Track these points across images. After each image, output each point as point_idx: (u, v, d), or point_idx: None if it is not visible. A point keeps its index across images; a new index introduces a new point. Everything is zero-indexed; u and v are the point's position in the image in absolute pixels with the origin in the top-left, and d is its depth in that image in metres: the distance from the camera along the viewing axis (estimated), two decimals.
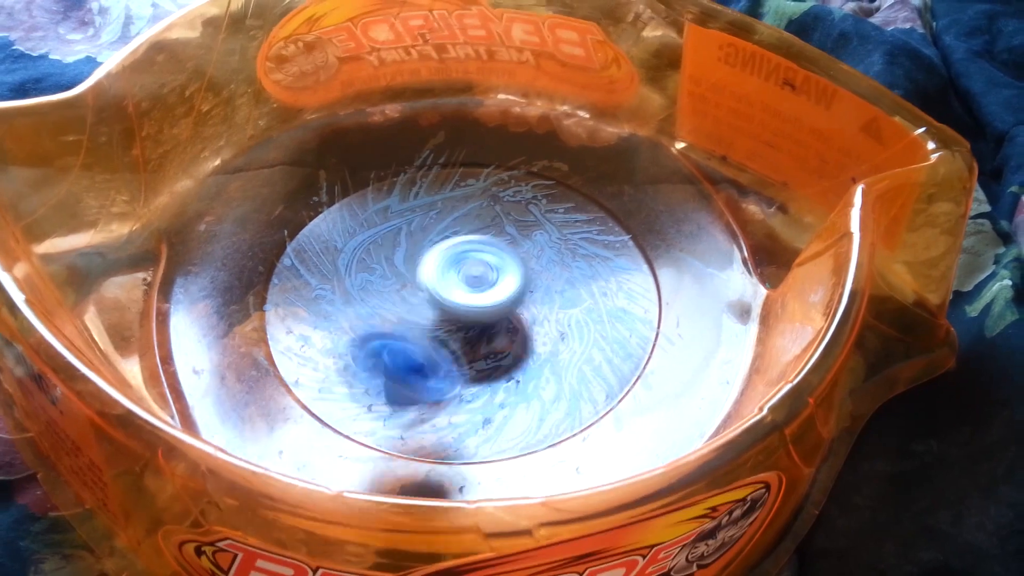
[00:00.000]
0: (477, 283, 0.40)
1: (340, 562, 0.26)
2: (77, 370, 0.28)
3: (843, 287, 0.31)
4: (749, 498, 0.30)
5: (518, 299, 0.40)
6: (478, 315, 0.39)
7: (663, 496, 0.26)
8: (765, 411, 0.28)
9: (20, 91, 0.50)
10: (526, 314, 0.41)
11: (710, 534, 0.29)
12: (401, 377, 0.37)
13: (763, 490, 0.30)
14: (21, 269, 0.32)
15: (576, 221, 0.45)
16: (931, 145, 0.36)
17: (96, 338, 0.37)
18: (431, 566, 0.26)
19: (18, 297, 0.30)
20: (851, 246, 0.32)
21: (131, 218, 0.40)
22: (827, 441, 0.35)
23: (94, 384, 0.28)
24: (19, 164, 0.37)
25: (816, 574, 0.35)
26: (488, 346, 0.40)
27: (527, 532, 0.25)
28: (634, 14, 0.47)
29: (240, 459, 0.26)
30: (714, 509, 0.28)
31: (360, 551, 0.26)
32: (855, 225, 0.33)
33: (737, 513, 0.30)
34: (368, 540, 0.25)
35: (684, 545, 0.29)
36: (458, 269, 0.40)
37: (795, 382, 0.29)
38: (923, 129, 0.37)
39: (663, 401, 0.38)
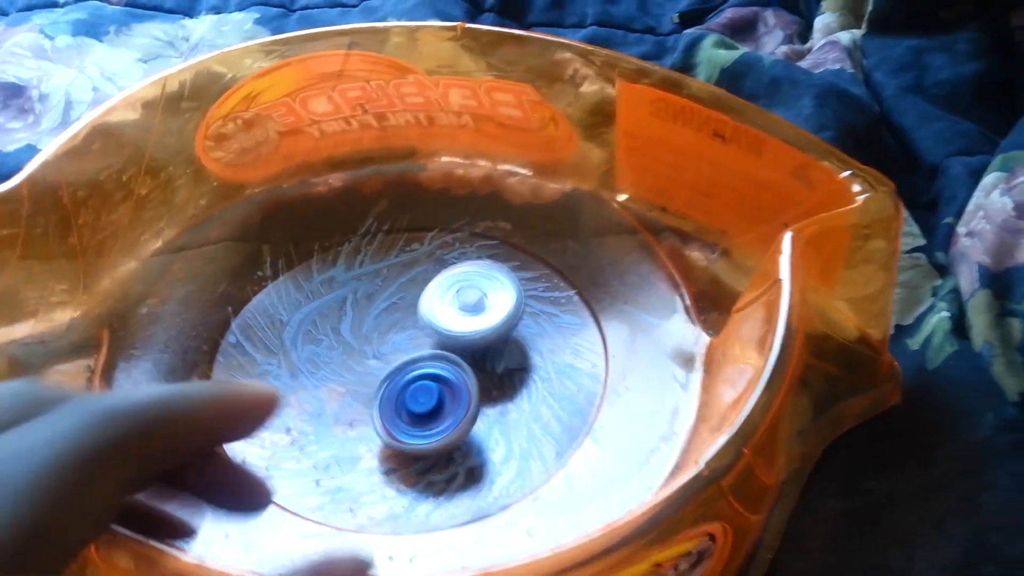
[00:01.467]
0: (472, 309, 0.41)
1: None
2: None
3: (774, 334, 0.32)
4: (695, 551, 0.30)
5: (513, 319, 0.41)
6: (475, 339, 0.40)
7: (603, 558, 0.26)
8: (702, 465, 0.28)
9: None
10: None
11: None
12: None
13: (709, 541, 0.30)
14: None
15: (522, 279, 0.45)
16: (856, 188, 0.37)
17: None
18: None
19: None
20: (781, 293, 0.33)
21: (71, 306, 0.40)
22: (772, 486, 0.35)
23: None
24: None
25: None
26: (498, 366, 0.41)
27: None
28: (572, 70, 0.47)
29: (173, 548, 0.26)
30: (659, 565, 0.28)
31: None
32: (784, 272, 0.34)
33: (684, 566, 0.30)
34: None
35: None
36: (454, 297, 0.42)
37: (730, 434, 0.29)
38: (849, 172, 0.38)
39: (612, 456, 0.38)
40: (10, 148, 0.52)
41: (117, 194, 0.41)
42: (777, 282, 0.33)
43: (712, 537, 0.30)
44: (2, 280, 0.38)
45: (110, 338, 0.40)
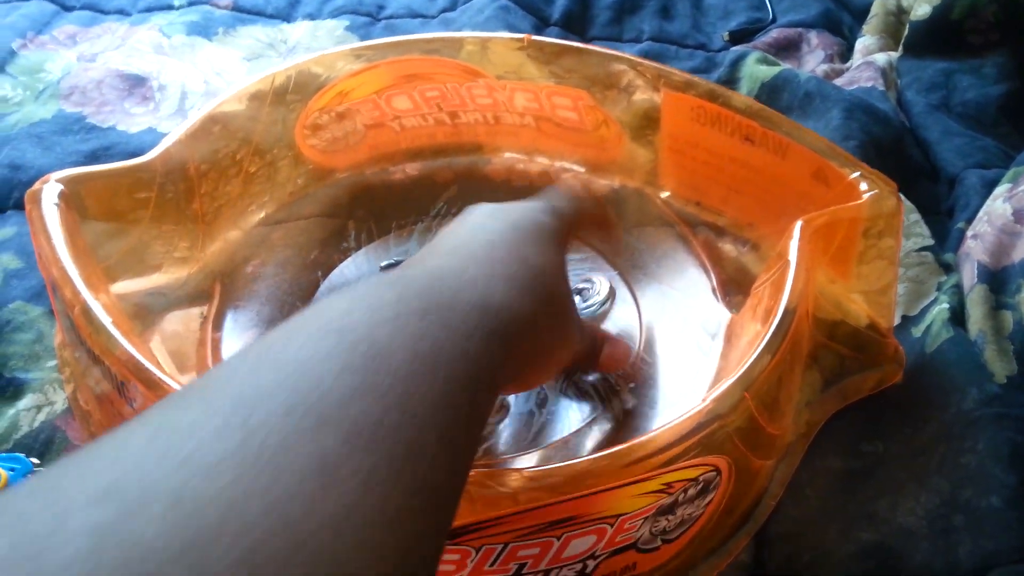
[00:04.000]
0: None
1: None
2: (155, 375, 0.35)
3: (780, 303, 0.38)
4: (701, 478, 0.35)
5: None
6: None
7: (621, 469, 0.32)
8: (708, 401, 0.34)
9: (92, 157, 0.58)
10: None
11: (669, 509, 0.35)
12: None
13: (714, 472, 0.36)
14: (104, 299, 0.39)
15: (571, 260, 0.51)
16: (864, 186, 0.43)
17: (161, 363, 0.43)
18: None
19: (106, 320, 0.37)
20: (788, 271, 0.39)
21: (190, 262, 0.47)
22: (778, 438, 0.40)
23: (170, 387, 0.35)
24: (98, 218, 0.44)
25: (770, 555, 0.40)
26: None
27: (510, 495, 0.31)
28: (626, 80, 0.54)
29: None
30: (669, 485, 0.34)
31: None
32: (792, 254, 0.39)
33: (692, 492, 0.35)
34: None
35: (646, 518, 0.35)
36: None
37: (732, 379, 0.35)
38: (858, 173, 0.43)
39: (641, 409, 0.44)
40: (134, 130, 0.60)
41: (231, 170, 0.49)
42: (786, 263, 0.39)
43: (717, 470, 0.36)
44: (135, 236, 0.45)
45: (221, 291, 0.48)
